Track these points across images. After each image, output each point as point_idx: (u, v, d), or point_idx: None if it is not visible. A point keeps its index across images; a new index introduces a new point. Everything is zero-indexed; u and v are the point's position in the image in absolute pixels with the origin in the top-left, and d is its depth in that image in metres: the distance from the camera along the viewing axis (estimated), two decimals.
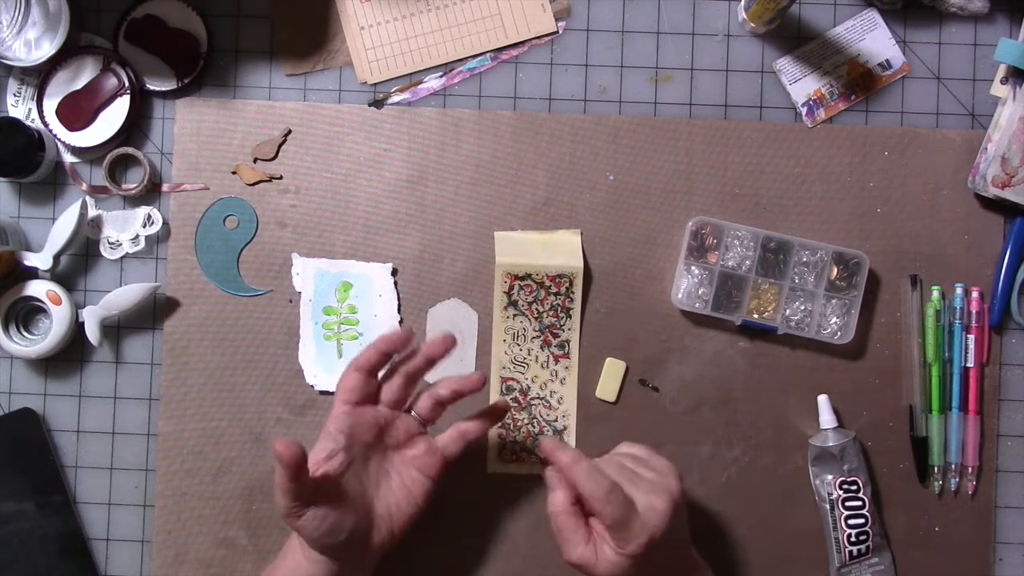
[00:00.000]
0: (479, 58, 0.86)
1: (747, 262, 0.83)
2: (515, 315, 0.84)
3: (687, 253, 0.83)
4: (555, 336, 0.84)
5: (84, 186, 0.86)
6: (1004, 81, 0.85)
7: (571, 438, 0.84)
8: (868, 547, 0.81)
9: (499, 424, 0.81)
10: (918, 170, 0.85)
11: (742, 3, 0.85)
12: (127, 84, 0.84)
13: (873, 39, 0.86)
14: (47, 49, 0.83)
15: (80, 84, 0.84)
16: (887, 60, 0.86)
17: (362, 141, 0.86)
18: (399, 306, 0.85)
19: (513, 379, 0.84)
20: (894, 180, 0.85)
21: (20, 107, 0.86)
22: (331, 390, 0.84)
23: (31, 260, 0.83)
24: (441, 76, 0.86)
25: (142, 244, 0.85)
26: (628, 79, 0.86)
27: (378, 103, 0.86)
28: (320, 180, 0.86)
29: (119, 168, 0.86)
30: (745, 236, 0.83)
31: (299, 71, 0.86)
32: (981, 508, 0.84)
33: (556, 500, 0.71)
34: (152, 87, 0.85)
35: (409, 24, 0.86)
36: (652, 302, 0.85)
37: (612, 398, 0.84)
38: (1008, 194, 0.82)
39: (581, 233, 0.85)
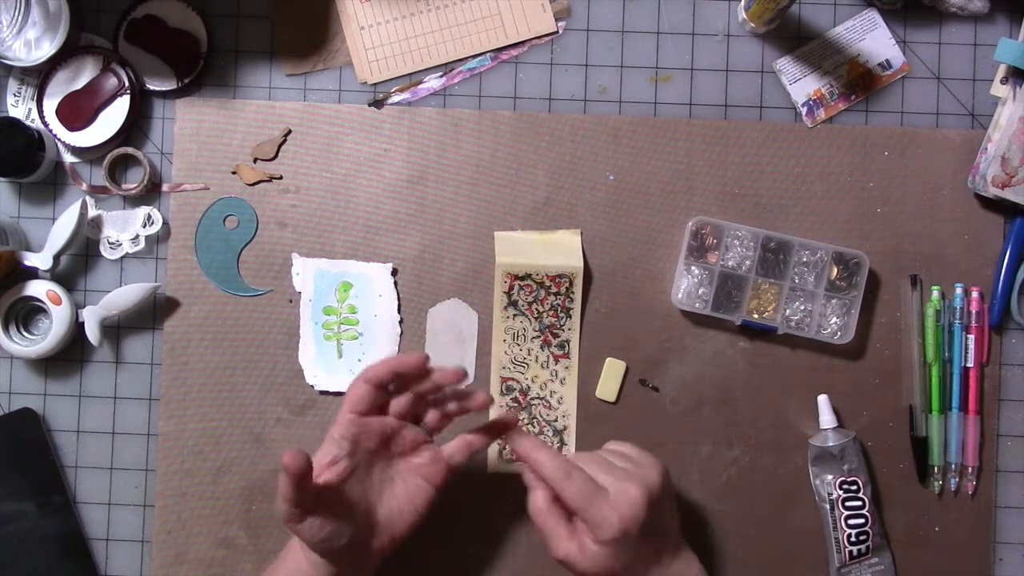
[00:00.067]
0: (479, 58, 0.86)
1: (747, 262, 0.83)
2: (515, 315, 0.84)
3: (687, 253, 0.83)
4: (555, 336, 0.84)
5: (84, 186, 0.86)
6: (1004, 81, 0.85)
7: (571, 438, 0.84)
8: (868, 547, 0.81)
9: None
10: (918, 170, 0.85)
11: (742, 3, 0.85)
12: (127, 84, 0.84)
13: (873, 39, 0.86)
14: (47, 49, 0.83)
15: (80, 84, 0.84)
16: (887, 60, 0.86)
17: (362, 141, 0.86)
18: (399, 306, 0.85)
19: (513, 379, 0.84)
20: (894, 180, 0.85)
21: (20, 107, 0.86)
22: (331, 390, 0.84)
23: (31, 260, 0.83)
24: (441, 76, 0.86)
25: (142, 244, 0.85)
26: (628, 79, 0.86)
27: (378, 103, 0.86)
28: (320, 180, 0.86)
29: (119, 168, 0.86)
30: (745, 236, 0.83)
31: (299, 71, 0.86)
32: (981, 508, 0.84)
33: (536, 499, 0.72)
34: (152, 87, 0.85)
35: (409, 24, 0.86)
36: (652, 302, 0.85)
37: (612, 398, 0.84)
38: (1008, 194, 0.82)
39: (581, 233, 0.85)
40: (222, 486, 0.85)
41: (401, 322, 0.85)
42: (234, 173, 0.86)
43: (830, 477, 0.82)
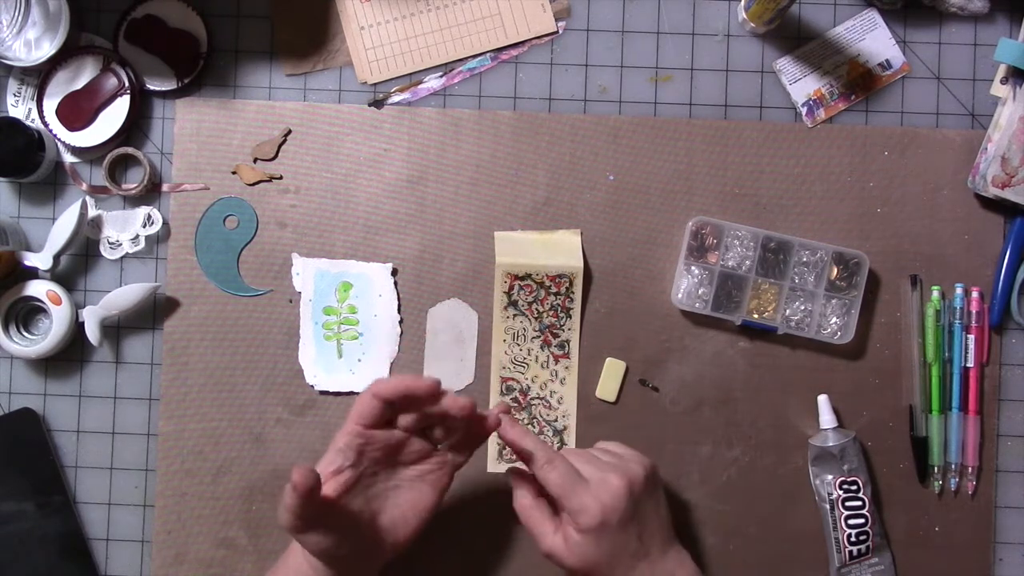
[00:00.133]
0: (479, 58, 0.86)
1: (747, 262, 0.83)
2: (515, 315, 0.84)
3: (687, 253, 0.83)
4: (555, 336, 0.84)
5: (84, 186, 0.86)
6: (1004, 81, 0.85)
7: (571, 438, 0.84)
8: (868, 547, 0.81)
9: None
10: (918, 170, 0.85)
11: (742, 3, 0.85)
12: (127, 84, 0.84)
13: (873, 39, 0.86)
14: (47, 49, 0.83)
15: (80, 84, 0.84)
16: (887, 60, 0.86)
17: (362, 141, 0.86)
18: (399, 306, 0.85)
19: (513, 379, 0.84)
20: (894, 180, 0.85)
21: (20, 107, 0.86)
22: (331, 390, 0.84)
23: (31, 260, 0.83)
24: (441, 76, 0.86)
25: (142, 244, 0.85)
26: (628, 79, 0.86)
27: (378, 103, 0.86)
28: (320, 180, 0.86)
29: (119, 168, 0.86)
30: (745, 236, 0.83)
31: (299, 71, 0.86)
32: (981, 508, 0.84)
33: (520, 495, 0.73)
34: (152, 87, 0.85)
35: (409, 24, 0.86)
36: (652, 302, 0.85)
37: (612, 398, 0.84)
38: (1008, 194, 0.82)
39: (581, 233, 0.85)
40: (222, 486, 0.85)
41: (401, 322, 0.85)
42: (234, 173, 0.86)
43: (830, 477, 0.82)
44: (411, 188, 0.85)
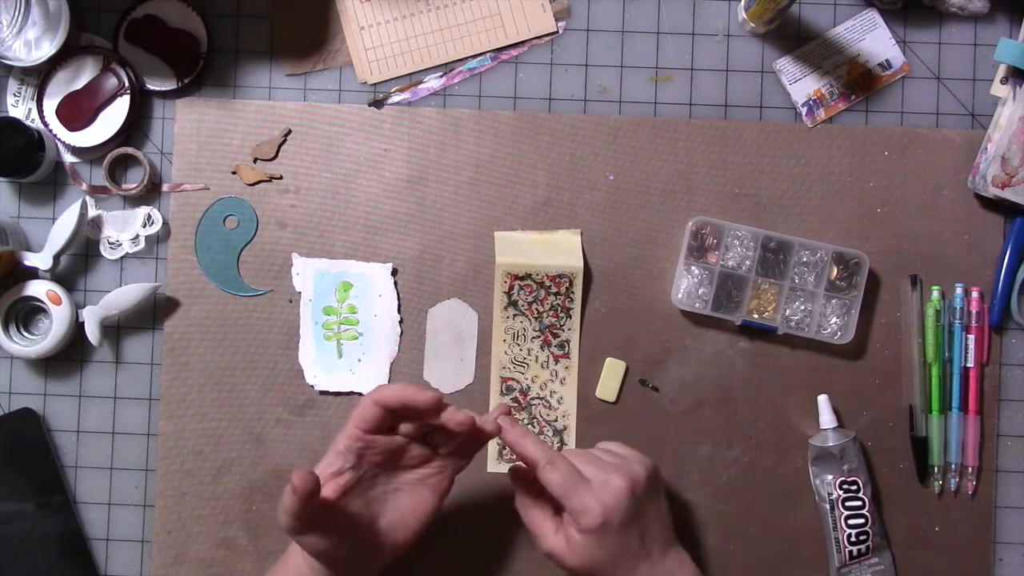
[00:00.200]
0: (479, 58, 0.86)
1: (747, 262, 0.83)
2: (515, 315, 0.84)
3: (687, 253, 0.83)
4: (555, 336, 0.84)
5: (84, 186, 0.86)
6: (1004, 81, 0.85)
7: (571, 438, 0.84)
8: (868, 547, 0.81)
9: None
10: (918, 170, 0.85)
11: (742, 3, 0.85)
12: (127, 84, 0.84)
13: (873, 39, 0.86)
14: (47, 49, 0.83)
15: (80, 84, 0.84)
16: (887, 60, 0.86)
17: (362, 141, 0.86)
18: (399, 306, 0.85)
19: (513, 379, 0.84)
20: (894, 180, 0.85)
21: (20, 107, 0.86)
22: (331, 390, 0.84)
23: (31, 260, 0.83)
24: (441, 76, 0.86)
25: (142, 244, 0.85)
26: (628, 79, 0.86)
27: (378, 103, 0.86)
28: (320, 180, 0.86)
29: (119, 168, 0.86)
30: (745, 236, 0.83)
31: (299, 71, 0.86)
32: (981, 508, 0.84)
33: (521, 495, 0.73)
34: (152, 87, 0.85)
35: (409, 24, 0.86)
36: (652, 302, 0.85)
37: (612, 398, 0.84)
38: (1008, 194, 0.82)
39: (581, 233, 0.85)
40: (222, 486, 0.85)
41: (401, 322, 0.85)
42: (234, 173, 0.86)
43: (830, 477, 0.82)
44: (411, 188, 0.85)
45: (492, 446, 0.84)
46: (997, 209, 0.85)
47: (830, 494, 0.81)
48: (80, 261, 0.86)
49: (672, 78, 0.86)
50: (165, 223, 0.85)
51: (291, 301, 0.85)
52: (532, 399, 0.84)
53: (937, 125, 0.86)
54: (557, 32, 0.86)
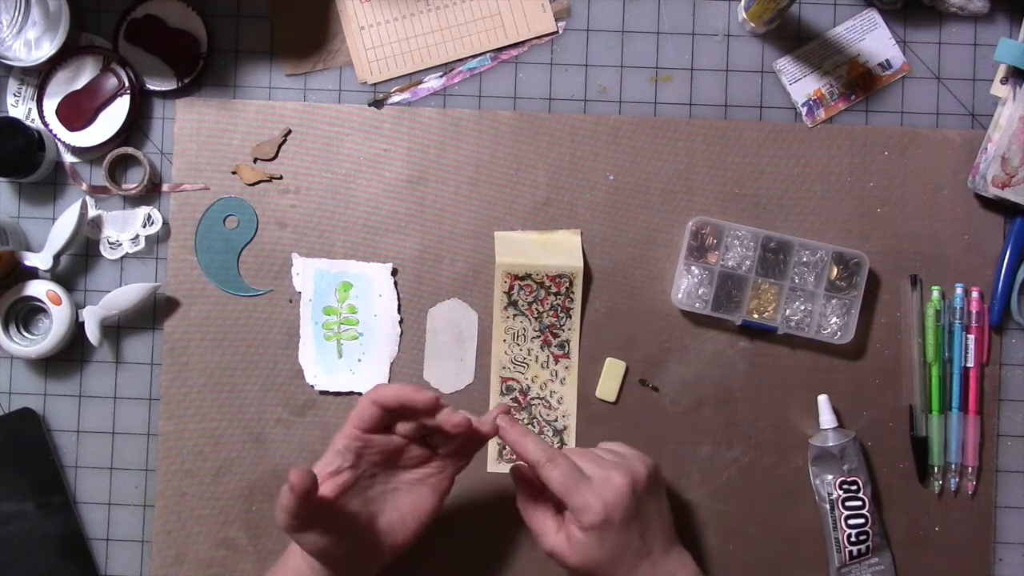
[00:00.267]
0: (479, 58, 0.86)
1: (747, 262, 0.83)
2: (515, 315, 0.84)
3: (687, 253, 0.83)
4: (555, 336, 0.84)
5: (84, 186, 0.86)
6: (1004, 81, 0.85)
7: (571, 438, 0.84)
8: (868, 547, 0.81)
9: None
10: (918, 170, 0.85)
11: (742, 3, 0.85)
12: (127, 84, 0.84)
13: (873, 39, 0.86)
14: (47, 49, 0.83)
15: (80, 84, 0.84)
16: (887, 60, 0.86)
17: (362, 141, 0.86)
18: (399, 306, 0.85)
19: (513, 379, 0.84)
20: (894, 180, 0.85)
21: (20, 107, 0.86)
22: (331, 390, 0.84)
23: (31, 260, 0.83)
24: (441, 76, 0.86)
25: (142, 244, 0.85)
26: (628, 79, 0.86)
27: (378, 103, 0.86)
28: (320, 180, 0.86)
29: (119, 168, 0.86)
30: (745, 236, 0.83)
31: (299, 71, 0.86)
32: (981, 508, 0.84)
33: (523, 495, 0.74)
34: (152, 87, 0.85)
35: (409, 24, 0.86)
36: (652, 302, 0.85)
37: (612, 398, 0.84)
38: (1008, 194, 0.82)
39: (581, 233, 0.85)
40: (222, 486, 0.85)
41: (401, 322, 0.85)
42: (234, 173, 0.86)
43: (830, 477, 0.82)
44: (411, 188, 0.85)
45: (492, 446, 0.84)
46: (997, 209, 0.85)
47: (830, 494, 0.81)
48: (80, 261, 0.86)
49: (672, 78, 0.86)
50: (165, 223, 0.85)
51: (291, 301, 0.85)
52: (532, 399, 0.84)
53: (937, 125, 0.86)
54: (557, 32, 0.86)
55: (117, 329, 0.86)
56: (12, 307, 0.83)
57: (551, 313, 0.84)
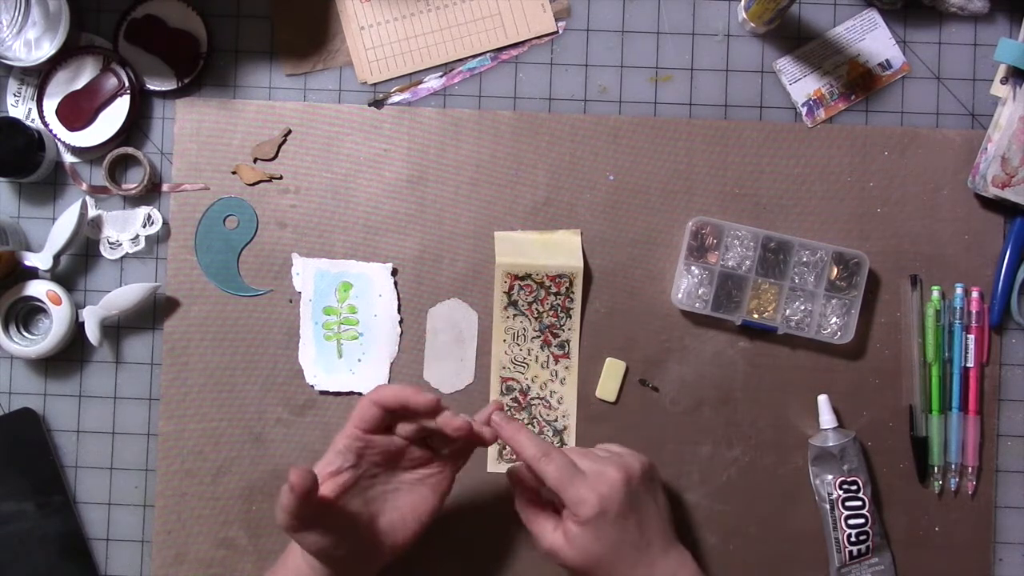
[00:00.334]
0: (479, 58, 0.86)
1: (747, 262, 0.83)
2: (515, 315, 0.84)
3: (687, 253, 0.83)
4: (555, 336, 0.84)
5: (84, 186, 0.86)
6: (1004, 81, 0.85)
7: (571, 438, 0.84)
8: (868, 547, 0.81)
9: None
10: (918, 170, 0.85)
11: (742, 3, 0.85)
12: (127, 84, 0.84)
13: (873, 39, 0.86)
14: (47, 49, 0.83)
15: (80, 84, 0.84)
16: (887, 60, 0.86)
17: (362, 141, 0.86)
18: (399, 306, 0.85)
19: (513, 379, 0.84)
20: (894, 180, 0.85)
21: (20, 107, 0.86)
22: (331, 390, 0.84)
23: (31, 260, 0.83)
24: (441, 76, 0.86)
25: (142, 244, 0.85)
26: (628, 79, 0.86)
27: (378, 103, 0.86)
28: (320, 180, 0.86)
29: (119, 168, 0.86)
30: (745, 236, 0.83)
31: (299, 71, 0.86)
32: (981, 508, 0.84)
33: (520, 495, 0.74)
34: (152, 87, 0.85)
35: (409, 24, 0.86)
36: (652, 302, 0.85)
37: (612, 398, 0.84)
38: (1008, 194, 0.82)
39: (581, 233, 0.85)
40: (222, 486, 0.85)
41: (401, 322, 0.85)
42: (234, 173, 0.86)
43: (830, 477, 0.82)
44: (411, 188, 0.85)
45: (492, 446, 0.84)
46: (997, 209, 0.85)
47: (830, 494, 0.81)
48: (80, 261, 0.86)
49: (672, 78, 0.86)
50: (165, 223, 0.85)
51: (291, 301, 0.85)
52: (532, 399, 0.84)
53: (937, 125, 0.86)
54: (557, 32, 0.86)
55: (117, 329, 0.86)
56: (12, 307, 0.83)
57: (551, 313, 0.84)
